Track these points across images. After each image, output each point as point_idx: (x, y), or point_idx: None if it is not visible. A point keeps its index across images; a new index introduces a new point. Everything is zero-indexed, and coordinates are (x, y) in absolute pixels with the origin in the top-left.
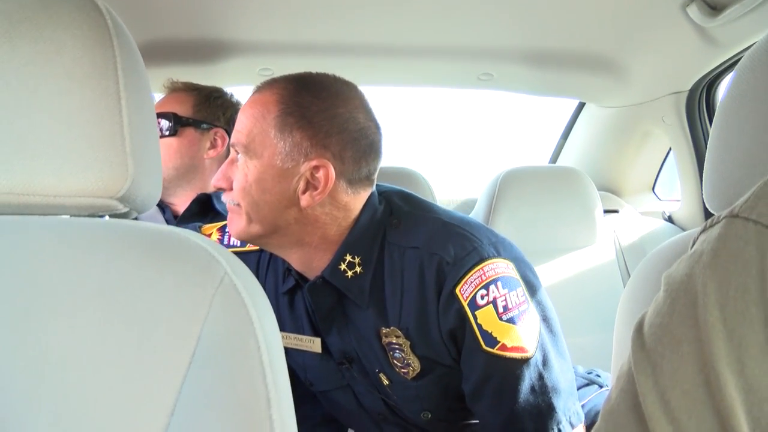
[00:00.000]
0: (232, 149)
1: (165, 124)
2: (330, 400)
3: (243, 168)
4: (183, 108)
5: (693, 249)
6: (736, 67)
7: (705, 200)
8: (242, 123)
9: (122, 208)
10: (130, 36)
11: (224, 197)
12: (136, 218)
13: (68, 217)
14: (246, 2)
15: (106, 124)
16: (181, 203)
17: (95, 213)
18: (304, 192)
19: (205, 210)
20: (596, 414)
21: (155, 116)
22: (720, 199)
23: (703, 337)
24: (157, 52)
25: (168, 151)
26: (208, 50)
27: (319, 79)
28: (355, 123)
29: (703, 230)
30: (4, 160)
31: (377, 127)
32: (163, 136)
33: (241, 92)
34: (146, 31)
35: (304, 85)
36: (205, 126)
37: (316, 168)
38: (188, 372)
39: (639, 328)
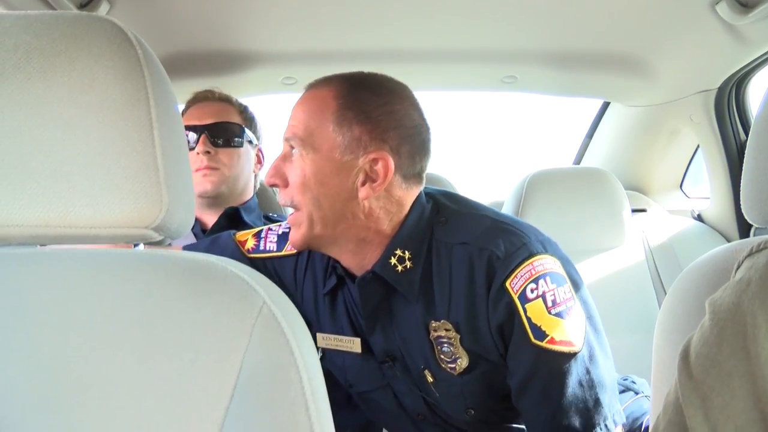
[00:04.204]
0: (285, 143)
1: (234, 133)
2: (369, 401)
3: (299, 162)
4: (239, 120)
5: (739, 276)
6: None
7: (744, 212)
8: (297, 118)
9: (157, 237)
10: (160, 65)
11: (280, 195)
12: None
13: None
14: (269, 13)
15: (139, 154)
16: (209, 218)
17: (130, 242)
18: (363, 184)
19: (233, 224)
20: (634, 421)
21: (186, 143)
22: (760, 211)
23: (756, 371)
24: (180, 64)
25: (239, 161)
26: (232, 61)
27: (374, 77)
28: (411, 120)
29: (749, 254)
30: (41, 193)
31: (428, 127)
32: (234, 146)
33: (260, 103)
34: (170, 44)
35: (360, 82)
36: (253, 142)
37: (375, 161)
38: (231, 403)
39: (685, 357)
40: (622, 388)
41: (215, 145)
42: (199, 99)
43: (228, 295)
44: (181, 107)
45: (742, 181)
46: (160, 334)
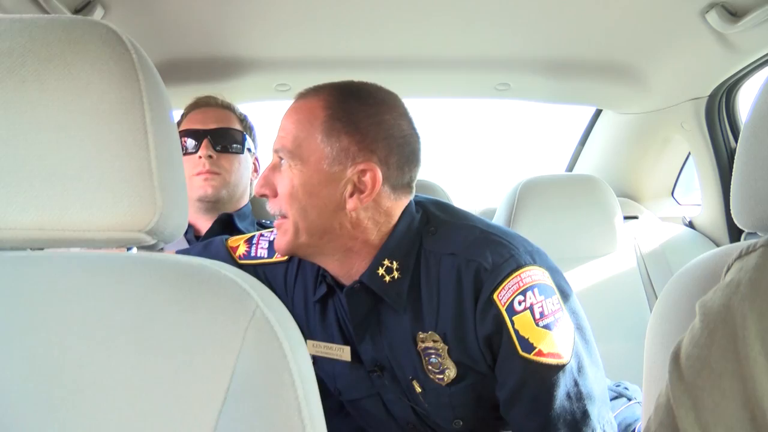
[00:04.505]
0: (274, 154)
1: (236, 139)
2: (359, 408)
3: (288, 173)
4: (239, 128)
5: (729, 278)
6: (762, 85)
7: (734, 217)
8: (286, 129)
9: (150, 241)
10: (154, 69)
11: (269, 206)
12: None
13: (98, 250)
14: (263, 19)
15: (134, 158)
16: (203, 224)
17: (124, 246)
18: (351, 195)
19: (227, 230)
20: (626, 427)
21: (180, 148)
22: (750, 216)
23: (746, 372)
24: (174, 70)
25: (240, 167)
26: (226, 67)
27: (363, 87)
28: (400, 130)
29: (739, 257)
30: (35, 196)
31: (418, 136)
32: (235, 152)
33: (253, 109)
34: (164, 50)
35: (350, 92)
36: (252, 150)
37: (363, 172)
38: (224, 406)
39: (675, 358)
40: (615, 395)
41: (217, 150)
42: (201, 104)
43: (221, 298)
44: (175, 113)
45: (731, 186)
46: (154, 337)
